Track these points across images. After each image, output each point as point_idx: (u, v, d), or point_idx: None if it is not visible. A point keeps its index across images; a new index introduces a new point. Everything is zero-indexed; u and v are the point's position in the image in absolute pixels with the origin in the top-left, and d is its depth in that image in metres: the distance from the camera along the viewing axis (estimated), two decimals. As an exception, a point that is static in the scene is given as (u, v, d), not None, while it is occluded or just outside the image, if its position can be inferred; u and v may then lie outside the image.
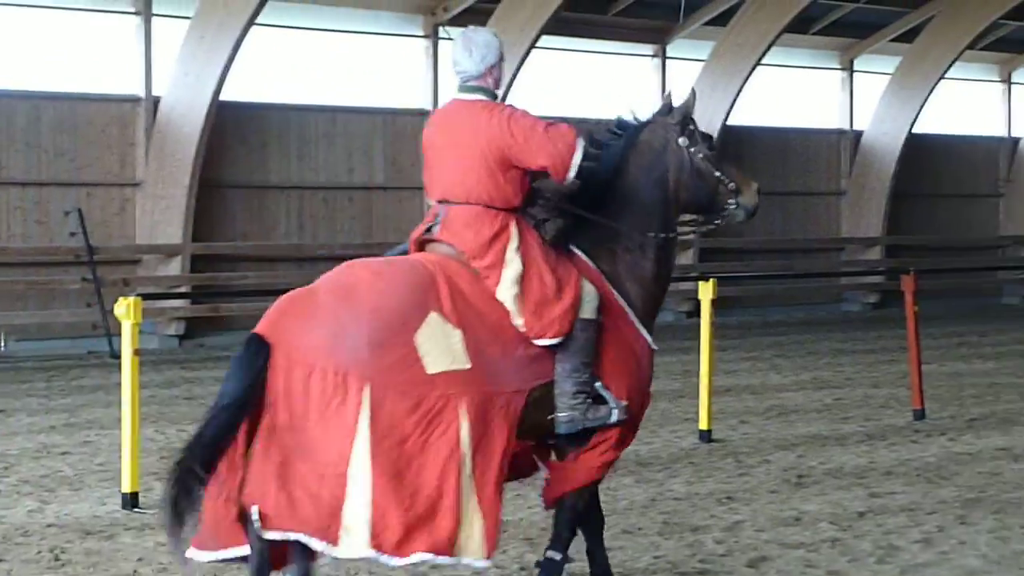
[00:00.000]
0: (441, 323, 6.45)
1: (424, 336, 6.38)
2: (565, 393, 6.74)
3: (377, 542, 6.15)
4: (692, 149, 7.19)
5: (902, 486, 10.50)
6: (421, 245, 7.01)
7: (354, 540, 6.16)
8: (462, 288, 6.63)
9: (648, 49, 27.55)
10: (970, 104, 33.09)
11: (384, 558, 6.19)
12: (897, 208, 30.54)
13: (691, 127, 7.22)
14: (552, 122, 6.82)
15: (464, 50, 6.95)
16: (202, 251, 21.79)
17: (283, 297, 6.51)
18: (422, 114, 24.47)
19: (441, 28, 24.51)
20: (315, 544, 6.19)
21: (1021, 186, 33.45)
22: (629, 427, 7.00)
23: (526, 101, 25.16)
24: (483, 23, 23.67)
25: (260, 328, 6.37)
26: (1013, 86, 33.81)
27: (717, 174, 7.22)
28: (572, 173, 6.79)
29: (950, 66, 29.81)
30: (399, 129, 24.30)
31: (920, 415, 13.86)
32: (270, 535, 6.20)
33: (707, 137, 7.29)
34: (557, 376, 6.74)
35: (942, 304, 28.03)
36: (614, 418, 6.85)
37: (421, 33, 24.55)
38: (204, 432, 6.21)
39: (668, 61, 27.52)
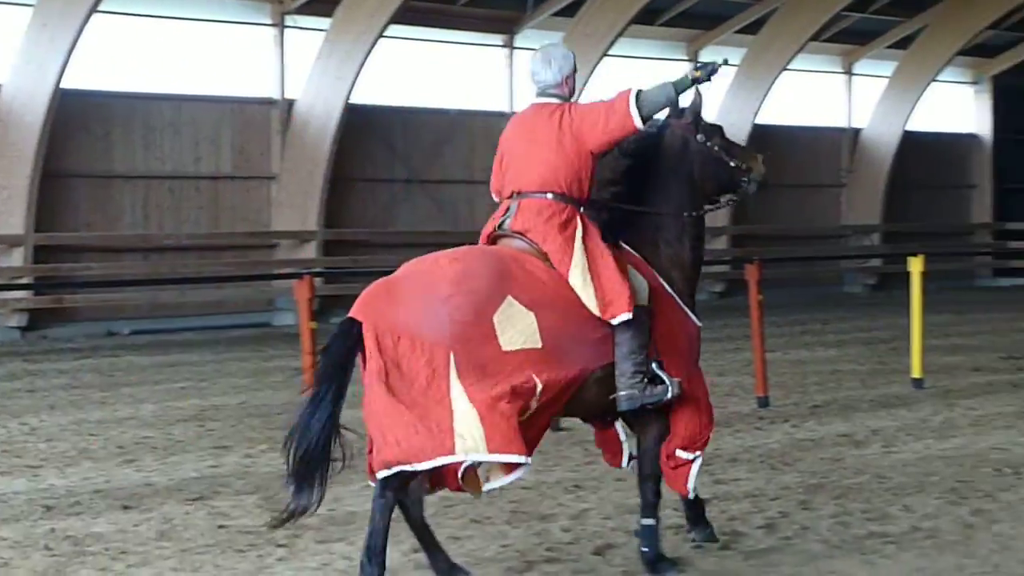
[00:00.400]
0: (513, 305, 7.08)
1: (499, 317, 7.03)
2: (624, 373, 7.39)
3: (491, 446, 6.81)
4: (709, 143, 7.99)
5: (746, 473, 10.66)
6: (493, 240, 7.63)
7: (468, 443, 6.81)
8: (536, 275, 7.28)
9: (497, 39, 27.63)
10: (813, 95, 33.70)
11: (496, 456, 6.82)
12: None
13: (703, 123, 8.00)
14: (599, 106, 7.51)
15: (543, 62, 7.67)
16: (45, 242, 21.45)
17: (370, 286, 7.15)
18: (270, 103, 24.30)
19: (288, 17, 24.34)
20: (430, 464, 6.83)
21: (862, 176, 34.10)
22: (694, 399, 7.69)
23: (375, 91, 25.36)
24: (329, 13, 23.57)
25: (352, 312, 7.03)
26: (855, 77, 34.46)
27: (732, 163, 8.05)
28: (635, 117, 7.41)
29: (793, 57, 30.32)
30: (247, 118, 24.12)
31: (764, 402, 14.06)
32: (383, 473, 6.89)
33: (717, 128, 8.09)
34: (617, 359, 7.38)
35: (786, 293, 28.48)
36: (670, 395, 7.48)
37: (268, 21, 24.37)
38: (318, 401, 6.89)
39: (516, 51, 27.62)
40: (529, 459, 6.93)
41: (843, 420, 13.24)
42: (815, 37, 30.64)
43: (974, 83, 37.55)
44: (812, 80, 33.56)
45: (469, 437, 6.81)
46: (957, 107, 37.41)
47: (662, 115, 7.84)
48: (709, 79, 7.64)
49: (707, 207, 8.08)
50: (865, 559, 8.00)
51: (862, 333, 22.50)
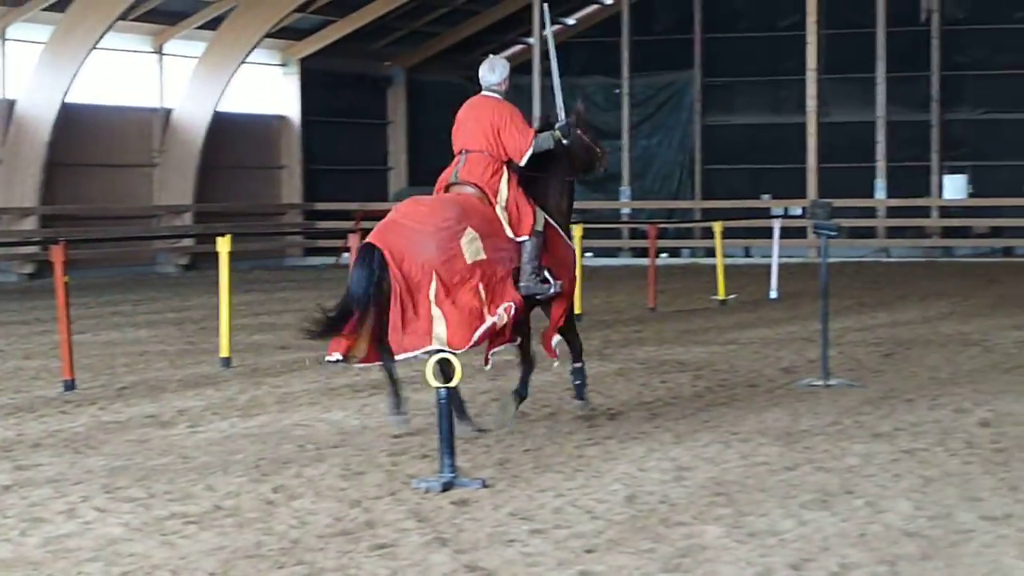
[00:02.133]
0: (472, 233, 10.76)
1: (464, 242, 10.70)
2: (525, 272, 11.17)
3: (450, 343, 10.42)
4: (583, 136, 11.95)
5: (49, 457, 10.40)
6: (447, 187, 11.30)
7: (439, 342, 10.41)
8: (480, 210, 11.01)
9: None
10: (124, 74, 33.36)
11: (451, 349, 10.25)
12: (52, 177, 30.30)
13: (583, 121, 12.03)
14: (523, 127, 11.42)
15: (489, 69, 11.75)
16: None
17: (380, 223, 10.77)
18: None
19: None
20: (421, 352, 10.48)
21: (174, 156, 34.07)
22: (569, 296, 11.65)
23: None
24: None
25: (371, 239, 10.61)
26: (165, 57, 34.35)
27: (597, 150, 12.19)
28: (521, 160, 11.35)
29: (102, 36, 29.88)
30: None
31: (71, 385, 13.78)
32: (400, 357, 10.64)
33: (590, 126, 12.32)
34: (522, 263, 11.16)
35: (98, 274, 28.07)
36: (552, 291, 11.34)
37: None
38: (354, 288, 10.53)
39: (7, 43, 26.25)
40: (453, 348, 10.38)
41: (151, 401, 13.18)
42: (124, 16, 30.35)
43: (283, 65, 38.32)
44: (123, 59, 33.20)
45: (439, 338, 10.46)
46: (267, 88, 38.06)
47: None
48: (569, 133, 11.60)
49: (578, 175, 12.22)
50: (165, 540, 7.96)
51: (173, 313, 22.51)
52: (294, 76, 38.32)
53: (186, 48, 34.29)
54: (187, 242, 33.52)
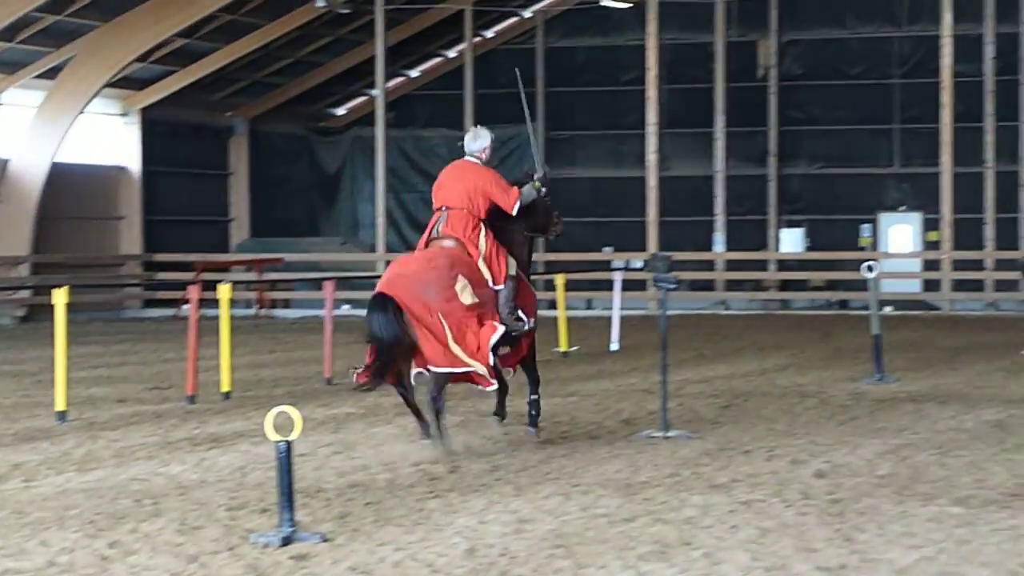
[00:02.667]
0: (463, 280, 12.53)
1: (458, 288, 12.50)
2: (502, 312, 12.93)
3: (468, 359, 12.56)
4: (547, 199, 13.70)
5: None
6: (428, 243, 13.08)
7: (458, 359, 12.49)
8: (465, 260, 12.77)
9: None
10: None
11: (471, 362, 12.58)
12: None
13: (548, 184, 13.64)
14: (509, 185, 13.24)
15: (472, 138, 13.37)
16: None
17: (388, 276, 12.70)
18: None
19: None
20: (443, 369, 12.56)
21: (11, 206, 33.58)
22: (533, 332, 13.36)
23: None
24: None
25: (383, 289, 12.47)
26: (2, 107, 33.85)
27: (555, 213, 13.96)
28: (514, 212, 13.16)
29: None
30: None
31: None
32: (416, 371, 12.68)
33: (549, 190, 13.70)
34: (499, 305, 12.92)
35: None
36: (527, 327, 13.16)
37: None
38: (378, 332, 12.50)
39: None
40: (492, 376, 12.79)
41: (-17, 456, 12.89)
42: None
43: (123, 115, 37.93)
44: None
45: (458, 355, 12.48)
46: (107, 139, 37.64)
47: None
48: (547, 182, 13.59)
49: (536, 234, 13.98)
50: (-3, 599, 7.80)
51: (9, 366, 22.10)
52: (134, 126, 37.96)
53: (24, 97, 33.81)
54: (23, 293, 32.94)
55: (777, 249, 42.00)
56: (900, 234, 42.56)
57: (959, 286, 38.10)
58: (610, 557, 8.60)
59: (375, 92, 40.66)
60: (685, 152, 43.12)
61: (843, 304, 38.97)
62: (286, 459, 9.18)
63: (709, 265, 39.89)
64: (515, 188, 13.26)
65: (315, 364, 21.53)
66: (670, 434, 13.82)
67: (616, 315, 25.59)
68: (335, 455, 12.74)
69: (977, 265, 38.18)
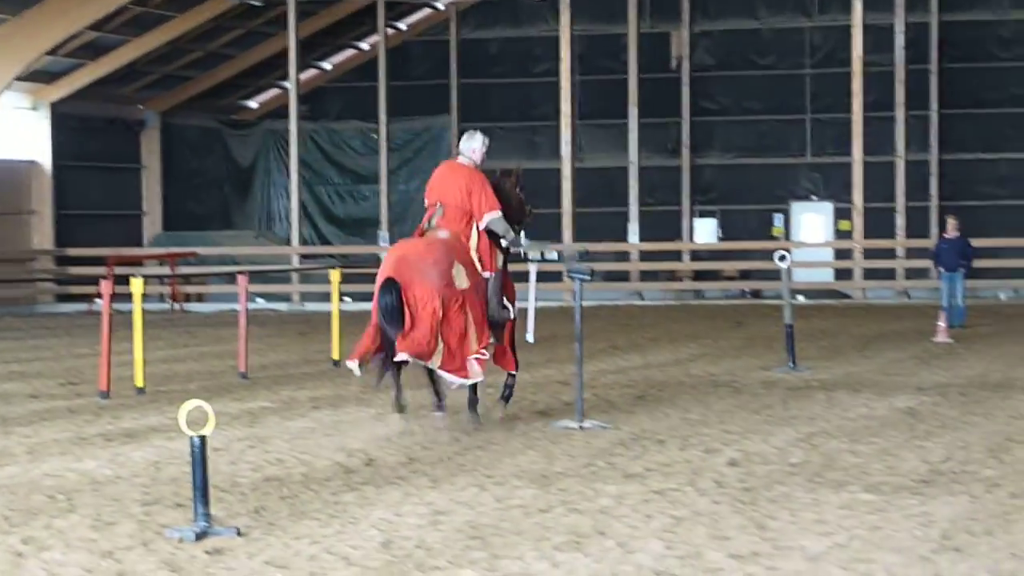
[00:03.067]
0: (459, 266, 13.70)
1: (455, 272, 13.61)
2: (491, 301, 14.05)
3: (442, 364, 13.61)
4: (521, 194, 14.74)
5: None
6: (422, 232, 14.17)
7: (435, 360, 13.53)
8: (459, 249, 13.87)
9: None
10: None
11: (443, 374, 13.70)
12: None
13: (521, 180, 14.78)
14: (491, 198, 14.09)
15: (467, 139, 14.38)
16: None
17: (392, 260, 13.53)
18: None
19: None
20: (424, 361, 13.56)
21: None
22: (514, 320, 14.38)
23: None
24: None
25: (390, 274, 13.39)
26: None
27: (527, 207, 14.82)
28: (481, 226, 14.02)
29: None
30: None
31: None
32: (401, 357, 13.32)
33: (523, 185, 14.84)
34: (488, 294, 14.04)
35: None
36: (511, 316, 14.28)
37: None
38: (387, 317, 13.32)
39: None
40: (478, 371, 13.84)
41: None
42: None
43: (33, 109, 37.53)
44: None
45: (436, 357, 13.54)
46: (17, 132, 37.22)
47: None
48: (518, 246, 14.40)
49: (512, 225, 14.33)
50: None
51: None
52: (45, 120, 37.57)
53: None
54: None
55: (691, 239, 42.24)
56: (812, 223, 42.94)
57: (870, 275, 38.50)
58: (525, 548, 8.65)
59: (288, 84, 40.49)
60: (599, 143, 43.28)
61: (756, 294, 39.27)
62: (200, 454, 9.15)
63: (624, 256, 40.06)
64: (495, 204, 14.11)
65: (229, 358, 21.43)
66: (585, 425, 13.89)
67: (531, 307, 25.54)
68: (250, 449, 12.70)
69: (888, 254, 38.59)
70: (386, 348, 13.43)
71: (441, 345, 13.55)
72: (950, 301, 27.06)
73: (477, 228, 14.03)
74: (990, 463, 11.57)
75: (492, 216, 14.08)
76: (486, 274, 14.05)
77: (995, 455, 11.96)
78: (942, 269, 27.57)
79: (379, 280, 13.54)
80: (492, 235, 14.16)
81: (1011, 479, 10.80)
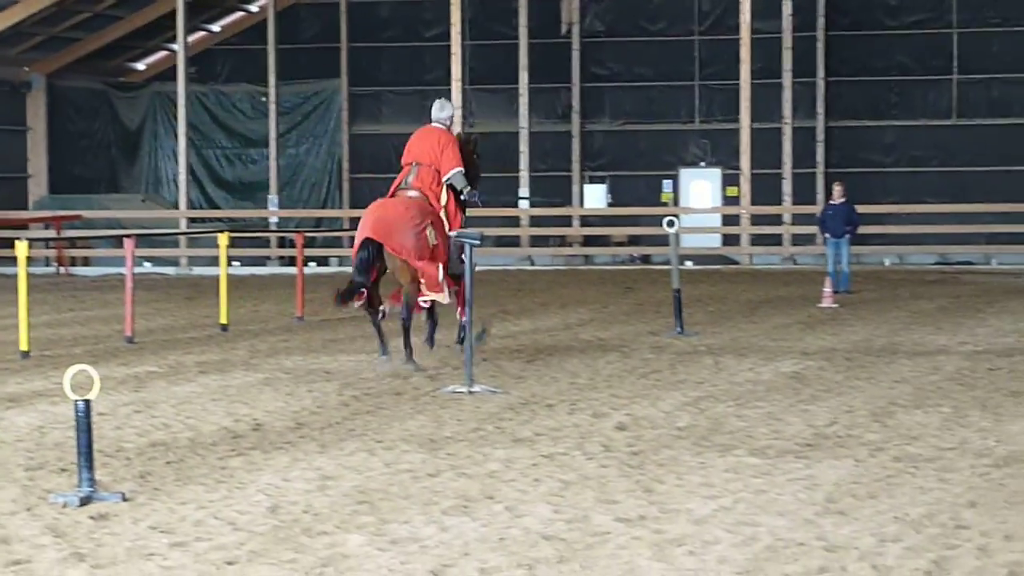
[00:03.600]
0: (430, 225, 15.40)
1: (427, 231, 15.33)
2: (452, 254, 15.69)
3: (431, 292, 15.59)
4: (477, 160, 16.56)
5: None
6: (395, 191, 15.87)
7: (428, 293, 15.64)
8: (429, 209, 15.59)
9: None
10: None
11: (434, 294, 15.67)
12: None
13: (477, 149, 16.71)
14: (456, 156, 15.87)
15: (439, 107, 16.27)
16: None
17: (367, 221, 15.40)
18: None
19: None
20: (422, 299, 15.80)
21: None
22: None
23: None
24: None
25: (369, 234, 15.27)
26: None
27: (479, 172, 16.53)
28: (446, 178, 15.81)
29: None
30: None
31: None
32: (385, 307, 15.83)
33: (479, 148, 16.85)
34: (451, 249, 15.67)
35: None
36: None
37: None
38: (358, 268, 15.32)
39: None
40: (447, 297, 15.76)
41: None
42: None
43: (-87, 69, 36.79)
44: None
45: (423, 291, 15.56)
46: None
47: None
48: (468, 198, 16.25)
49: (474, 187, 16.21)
50: None
51: None
52: None
53: None
54: None
55: (581, 205, 42.38)
56: (700, 189, 43.23)
57: (758, 240, 38.86)
58: (414, 512, 8.64)
59: (176, 47, 40.03)
60: (489, 108, 43.26)
61: (645, 259, 39.49)
62: (85, 418, 9.05)
63: (514, 221, 40.10)
64: (458, 163, 15.89)
65: (116, 323, 21.21)
66: (474, 389, 13.90)
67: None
68: (136, 414, 12.58)
69: (775, 220, 38.96)
70: (351, 292, 15.47)
71: (423, 287, 15.65)
72: (835, 267, 27.40)
73: (446, 188, 15.91)
74: (874, 427, 11.72)
75: (456, 171, 15.88)
76: (452, 232, 15.72)
77: (879, 419, 12.12)
78: (828, 235, 27.90)
79: (359, 238, 15.46)
80: (455, 194, 16.01)
81: (894, 443, 10.96)
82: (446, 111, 16.36)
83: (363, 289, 15.46)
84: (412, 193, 15.78)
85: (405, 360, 15.65)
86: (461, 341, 15.96)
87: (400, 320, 15.77)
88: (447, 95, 38.41)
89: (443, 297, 15.71)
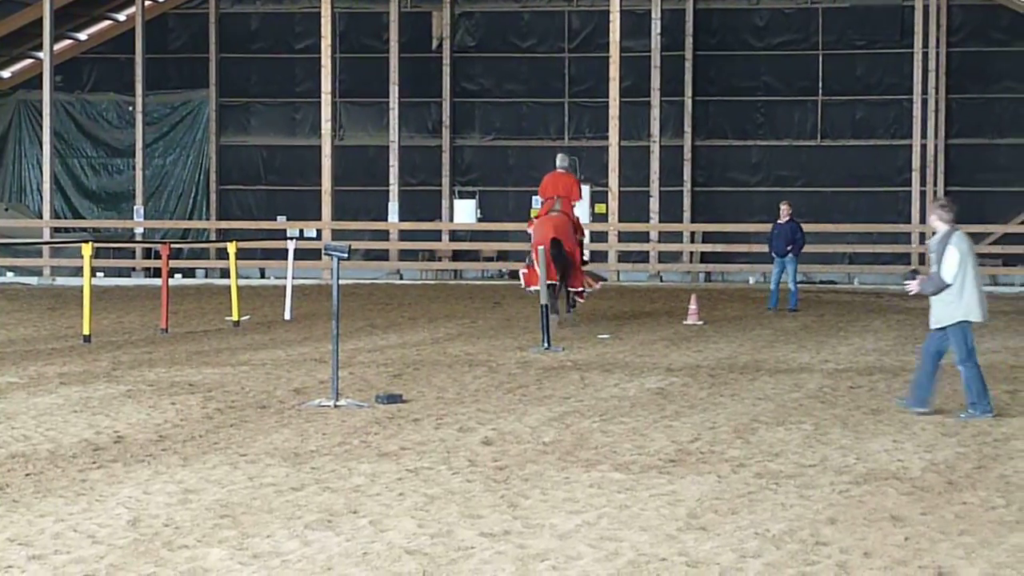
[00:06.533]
0: (569, 232, 23.70)
1: (569, 235, 23.65)
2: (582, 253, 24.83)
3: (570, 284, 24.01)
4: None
5: None
6: (547, 213, 23.83)
7: (576, 285, 24.23)
8: (570, 224, 23.83)
9: None
10: None
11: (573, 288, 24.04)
12: None
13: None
14: (579, 193, 24.67)
15: (562, 158, 25.01)
16: None
17: (545, 230, 23.05)
18: None
19: None
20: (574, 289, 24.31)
21: None
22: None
23: None
24: None
25: (552, 235, 22.99)
26: None
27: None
28: (577, 202, 24.60)
29: None
30: None
31: None
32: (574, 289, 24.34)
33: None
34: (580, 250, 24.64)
35: None
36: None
37: None
38: (556, 262, 22.92)
39: None
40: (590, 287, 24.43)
41: None
42: None
43: None
44: None
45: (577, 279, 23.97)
46: None
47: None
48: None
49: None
50: None
51: None
52: None
53: None
54: None
55: (451, 219, 42.39)
56: (569, 206, 43.36)
57: (625, 257, 39.12)
58: (276, 526, 8.58)
59: (41, 55, 39.45)
60: (359, 122, 43.15)
61: (513, 275, 39.56)
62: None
63: (383, 235, 40.01)
64: (580, 197, 24.64)
65: (-25, 333, 20.83)
66: (340, 403, 13.84)
67: (289, 284, 25.46)
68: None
69: (643, 237, 39.26)
70: (554, 278, 22.67)
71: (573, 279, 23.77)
72: (778, 284, 27.72)
73: (573, 211, 24.19)
74: (736, 444, 11.85)
75: (579, 201, 24.53)
76: (580, 238, 24.15)
77: (741, 436, 12.25)
78: (774, 254, 28.06)
79: (545, 239, 22.58)
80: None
81: (756, 459, 11.08)
82: (566, 162, 25.08)
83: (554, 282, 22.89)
84: (557, 215, 23.57)
85: (561, 317, 23.14)
86: (569, 310, 24.13)
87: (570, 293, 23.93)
88: (316, 108, 38.33)
89: (582, 289, 24.10)
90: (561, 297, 23.59)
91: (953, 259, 13.29)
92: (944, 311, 13.42)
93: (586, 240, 25.96)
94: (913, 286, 13.71)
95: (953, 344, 13.47)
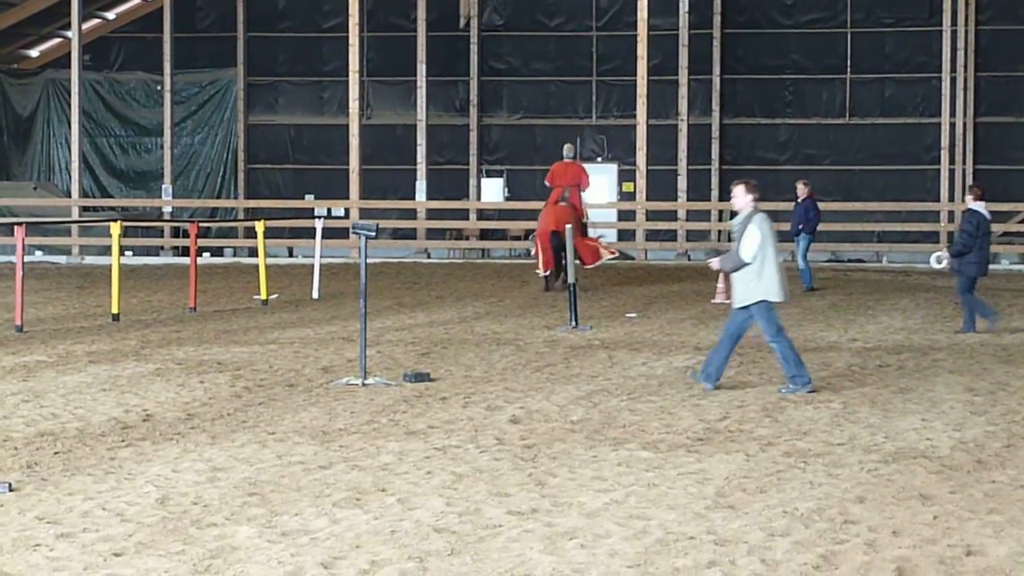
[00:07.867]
0: (577, 220, 26.03)
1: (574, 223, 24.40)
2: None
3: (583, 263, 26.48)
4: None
5: None
6: (556, 202, 26.97)
7: (588, 262, 27.12)
8: (577, 214, 26.51)
9: None
10: None
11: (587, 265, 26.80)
12: None
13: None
14: (587, 181, 27.56)
15: (569, 148, 28.17)
16: None
17: (550, 220, 26.21)
18: None
19: None
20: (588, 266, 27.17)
21: None
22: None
23: None
24: None
25: (554, 227, 25.66)
26: None
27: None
28: (586, 190, 27.77)
29: None
30: None
31: None
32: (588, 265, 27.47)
33: None
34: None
35: None
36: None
37: None
38: (554, 251, 25.99)
39: None
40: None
41: None
42: None
43: None
44: None
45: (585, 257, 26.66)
46: None
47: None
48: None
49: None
50: None
51: None
52: None
53: None
54: None
55: (478, 198, 42.37)
56: (596, 185, 43.31)
57: (652, 236, 39.05)
58: (305, 504, 8.60)
59: (70, 33, 39.52)
60: (387, 100, 43.13)
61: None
62: (-30, 409, 8.92)
63: (411, 214, 40.02)
64: (588, 185, 27.39)
65: (5, 311, 20.92)
66: (368, 381, 13.86)
67: (317, 263, 25.49)
68: (24, 403, 12.42)
69: (670, 216, 39.18)
70: (556, 266, 25.85)
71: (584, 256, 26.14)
72: (805, 262, 27.69)
73: (581, 200, 27.19)
74: (765, 422, 11.83)
75: (587, 188, 27.23)
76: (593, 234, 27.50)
77: (770, 414, 12.24)
78: (792, 233, 27.96)
79: (547, 229, 25.91)
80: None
81: (785, 438, 11.06)
82: (573, 152, 27.96)
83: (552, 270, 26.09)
84: (564, 205, 26.53)
85: (552, 287, 26.20)
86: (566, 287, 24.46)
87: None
88: (344, 87, 38.32)
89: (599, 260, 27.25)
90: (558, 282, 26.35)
91: (754, 239, 13.65)
92: (745, 290, 13.79)
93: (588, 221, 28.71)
94: (714, 262, 14.37)
95: (760, 323, 13.83)
